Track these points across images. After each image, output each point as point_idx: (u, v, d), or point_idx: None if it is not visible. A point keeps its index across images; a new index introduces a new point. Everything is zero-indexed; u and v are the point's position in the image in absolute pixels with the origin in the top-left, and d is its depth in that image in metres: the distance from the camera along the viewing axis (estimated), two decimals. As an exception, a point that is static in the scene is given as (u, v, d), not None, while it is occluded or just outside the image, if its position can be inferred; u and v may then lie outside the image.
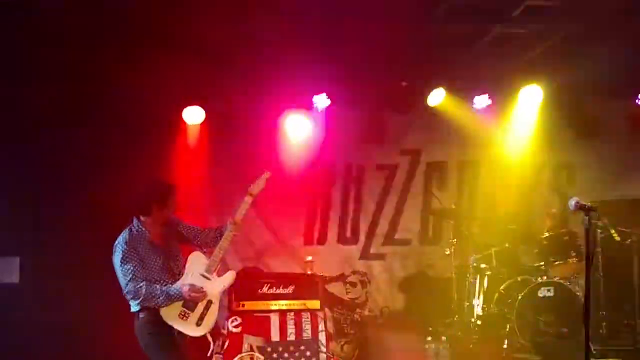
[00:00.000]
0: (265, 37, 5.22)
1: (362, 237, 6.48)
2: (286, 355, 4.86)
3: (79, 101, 5.54)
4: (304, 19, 5.01)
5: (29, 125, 5.54)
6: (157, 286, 3.51)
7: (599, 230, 5.56)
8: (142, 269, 3.50)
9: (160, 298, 3.48)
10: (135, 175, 5.68)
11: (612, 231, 5.30)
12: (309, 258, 5.20)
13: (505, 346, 5.10)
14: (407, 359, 5.10)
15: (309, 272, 5.09)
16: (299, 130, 6.04)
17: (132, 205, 3.65)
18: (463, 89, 6.18)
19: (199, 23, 4.85)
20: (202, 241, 3.81)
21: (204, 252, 3.76)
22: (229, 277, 3.77)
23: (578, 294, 5.10)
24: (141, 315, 3.55)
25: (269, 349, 4.86)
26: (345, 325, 6.20)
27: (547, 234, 5.44)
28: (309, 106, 6.04)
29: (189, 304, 3.55)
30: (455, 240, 5.79)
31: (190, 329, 3.56)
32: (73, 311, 5.26)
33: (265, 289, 4.85)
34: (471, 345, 5.26)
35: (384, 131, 6.48)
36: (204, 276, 3.63)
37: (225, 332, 4.93)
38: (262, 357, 4.85)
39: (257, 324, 4.84)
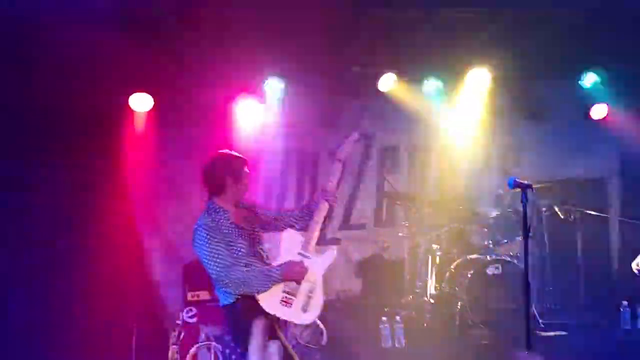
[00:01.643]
0: (215, 22, 5.14)
1: (318, 223, 6.50)
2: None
3: (19, 91, 5.30)
4: (255, 4, 4.95)
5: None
6: (255, 267, 3.13)
7: (544, 209, 5.79)
8: (230, 253, 3.11)
9: (260, 281, 3.06)
10: (80, 165, 5.62)
11: (557, 209, 5.52)
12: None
13: (457, 323, 5.25)
14: (363, 341, 5.19)
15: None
16: (251, 117, 5.96)
17: (205, 185, 3.26)
18: (413, 74, 6.25)
19: (147, 7, 4.73)
20: (286, 223, 3.43)
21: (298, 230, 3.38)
22: (330, 255, 3.31)
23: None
24: (238, 304, 3.12)
25: (227, 338, 4.84)
26: (303, 310, 6.24)
27: (494, 214, 5.61)
28: (260, 92, 5.98)
29: (292, 288, 3.13)
30: (407, 222, 5.89)
31: (296, 316, 3.14)
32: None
33: (220, 278, 4.81)
34: (425, 324, 5.40)
35: (338, 116, 6.48)
36: (302, 255, 3.21)
37: (180, 322, 4.90)
38: (219, 347, 4.84)
39: (213, 313, 4.81)
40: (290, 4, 4.97)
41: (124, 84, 5.66)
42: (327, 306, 6.09)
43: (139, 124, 5.85)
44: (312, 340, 3.31)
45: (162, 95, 5.84)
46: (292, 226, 3.42)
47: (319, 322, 3.24)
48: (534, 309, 5.27)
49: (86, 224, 5.58)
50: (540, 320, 5.30)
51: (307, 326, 3.24)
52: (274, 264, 3.20)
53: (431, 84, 6.27)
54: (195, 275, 4.92)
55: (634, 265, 4.34)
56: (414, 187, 6.64)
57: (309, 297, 3.15)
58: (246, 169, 3.31)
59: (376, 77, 6.17)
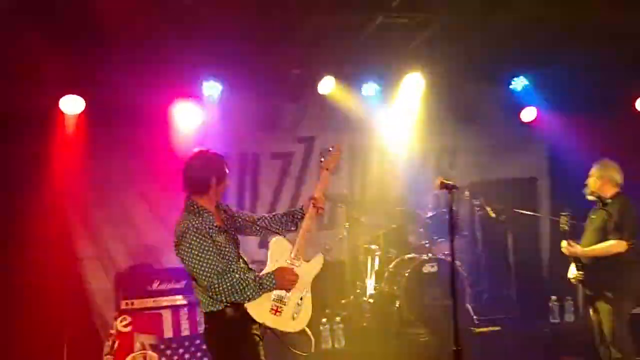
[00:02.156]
0: (151, 22, 5.02)
1: (260, 227, 6.46)
2: (181, 351, 4.79)
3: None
4: (193, 4, 4.87)
5: None
6: (248, 275, 2.99)
7: (477, 209, 5.98)
8: (221, 259, 2.97)
9: (252, 289, 2.94)
10: (9, 171, 5.36)
11: (488, 209, 5.72)
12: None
13: (395, 321, 5.34)
14: (303, 342, 5.19)
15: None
16: (189, 119, 5.86)
17: (187, 184, 3.14)
18: (352, 77, 6.33)
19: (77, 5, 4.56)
20: (265, 227, 3.31)
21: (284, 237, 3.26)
22: (318, 261, 3.23)
23: (460, 268, 5.45)
24: (227, 312, 2.98)
25: (162, 346, 4.76)
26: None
27: (431, 214, 5.75)
28: (199, 94, 5.89)
29: (281, 296, 3.04)
30: (347, 224, 5.95)
31: (285, 325, 3.06)
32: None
33: (155, 285, 4.73)
34: (365, 324, 5.46)
35: (278, 119, 6.49)
36: (291, 263, 3.13)
37: (114, 332, 4.76)
38: (155, 355, 4.74)
39: (148, 321, 4.72)
40: (229, 5, 4.94)
41: (54, 86, 5.45)
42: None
43: (70, 127, 5.64)
44: (300, 348, 3.26)
45: (95, 97, 5.66)
46: (269, 229, 3.33)
47: (307, 329, 3.15)
48: (468, 306, 5.43)
49: (17, 232, 5.34)
50: (475, 317, 5.47)
51: (295, 333, 3.14)
52: (264, 271, 3.11)
53: (369, 88, 6.37)
54: (129, 283, 4.80)
55: (570, 275, 4.48)
56: (354, 189, 6.72)
57: (299, 305, 3.10)
58: (226, 169, 3.22)
59: (315, 80, 6.20)
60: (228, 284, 2.93)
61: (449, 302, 5.24)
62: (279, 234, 3.28)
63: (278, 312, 3.03)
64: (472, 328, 5.27)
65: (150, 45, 5.21)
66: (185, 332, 4.73)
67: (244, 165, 6.44)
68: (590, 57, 5.79)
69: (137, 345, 4.68)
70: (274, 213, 3.43)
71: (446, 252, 5.64)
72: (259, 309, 2.99)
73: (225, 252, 3.03)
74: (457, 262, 5.55)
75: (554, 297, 5.59)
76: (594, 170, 4.34)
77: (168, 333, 4.72)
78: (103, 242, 5.82)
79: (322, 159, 3.44)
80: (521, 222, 5.90)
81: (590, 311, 4.37)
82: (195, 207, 3.09)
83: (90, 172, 5.73)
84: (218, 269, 2.94)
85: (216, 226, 3.07)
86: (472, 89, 6.58)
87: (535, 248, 6.69)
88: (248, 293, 2.95)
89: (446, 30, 5.59)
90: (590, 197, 4.35)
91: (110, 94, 5.67)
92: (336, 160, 3.45)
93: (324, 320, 5.16)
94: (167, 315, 4.74)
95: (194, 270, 2.96)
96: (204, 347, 4.71)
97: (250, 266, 3.18)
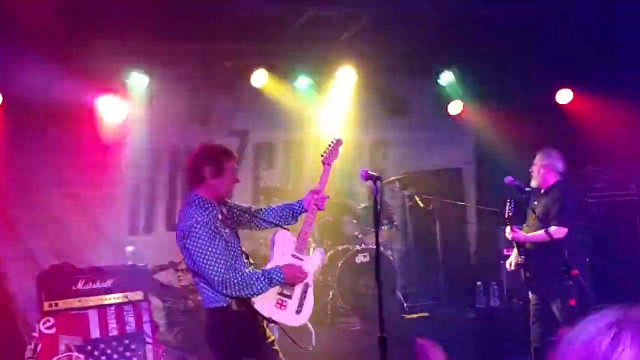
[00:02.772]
0: (70, 14, 4.82)
1: (193, 222, 6.35)
2: (109, 351, 4.64)
3: None
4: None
5: None
6: (258, 270, 2.98)
7: (407, 199, 6.15)
8: (228, 253, 2.93)
9: (261, 284, 2.92)
10: None
11: (417, 199, 5.89)
12: (130, 248, 4.98)
13: (329, 312, 5.41)
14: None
15: (130, 263, 4.87)
16: (114, 114, 5.66)
17: (185, 175, 3.21)
18: (285, 70, 6.32)
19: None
20: (264, 221, 3.30)
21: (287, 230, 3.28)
22: (319, 256, 3.31)
23: (391, 257, 5.59)
24: (233, 307, 2.95)
25: (89, 347, 4.59)
26: (178, 313, 6.09)
27: (363, 205, 5.86)
28: (124, 88, 5.71)
29: (286, 290, 3.07)
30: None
31: (290, 319, 3.10)
32: None
33: (80, 285, 4.55)
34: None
35: (210, 112, 6.39)
36: (295, 257, 3.16)
37: (36, 334, 4.55)
38: (82, 357, 4.57)
39: (73, 322, 4.53)
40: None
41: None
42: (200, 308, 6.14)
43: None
44: (302, 342, 3.27)
45: (14, 93, 5.36)
46: (270, 222, 3.32)
47: (309, 323, 3.20)
48: (398, 293, 5.58)
49: None
50: (405, 304, 5.63)
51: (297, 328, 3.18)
52: (268, 265, 3.09)
53: (302, 81, 6.38)
54: (52, 283, 4.60)
55: (507, 265, 4.70)
56: (289, 182, 6.73)
57: (302, 299, 3.13)
58: (231, 165, 3.15)
59: (248, 72, 6.16)
60: (239, 279, 2.91)
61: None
62: (280, 227, 3.28)
63: (283, 307, 3.05)
64: (402, 315, 5.42)
65: (71, 38, 5.01)
66: (114, 331, 4.58)
67: (176, 159, 6.30)
68: (513, 51, 6.06)
69: (62, 347, 4.48)
70: (272, 206, 3.46)
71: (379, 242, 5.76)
72: (265, 304, 3.00)
73: (231, 247, 3.01)
74: (388, 252, 5.71)
75: (479, 283, 5.83)
76: (537, 159, 4.54)
77: (95, 333, 4.55)
78: (25, 242, 5.55)
79: (323, 154, 3.45)
80: (449, 211, 6.11)
81: (529, 293, 4.61)
82: (199, 200, 3.04)
83: (9, 170, 5.44)
84: (228, 263, 2.91)
85: (221, 220, 3.05)
86: (402, 82, 6.74)
87: (462, 236, 6.96)
88: (257, 287, 2.94)
89: (375, 24, 5.70)
90: (534, 185, 4.54)
91: (30, 90, 5.40)
92: (336, 153, 3.47)
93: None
94: (93, 316, 4.57)
95: (203, 265, 2.90)
96: (133, 346, 4.67)
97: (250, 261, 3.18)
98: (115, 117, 5.64)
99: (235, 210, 3.26)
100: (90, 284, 4.54)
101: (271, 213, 3.36)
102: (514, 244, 4.54)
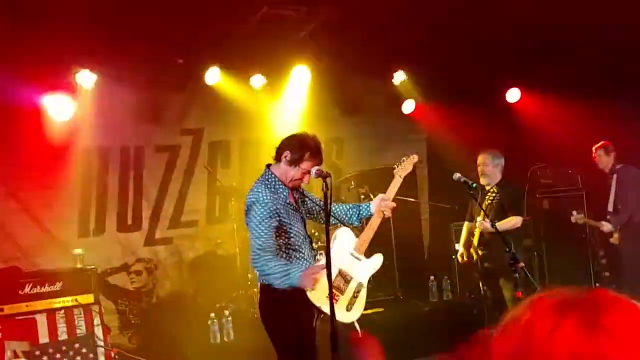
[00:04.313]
0: (20, 8, 4.65)
1: (145, 223, 6.23)
2: (58, 356, 4.53)
3: None
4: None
5: None
6: (286, 265, 3.07)
7: (362, 196, 6.21)
8: (280, 234, 3.09)
9: (277, 277, 3.03)
10: None
11: (372, 196, 5.94)
12: (78, 251, 4.85)
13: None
14: (192, 339, 5.12)
15: (79, 266, 4.75)
16: (61, 112, 5.47)
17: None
18: (239, 68, 6.27)
19: None
20: (335, 217, 3.42)
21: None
22: (378, 260, 3.42)
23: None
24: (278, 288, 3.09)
25: (37, 352, 4.47)
26: (132, 316, 5.98)
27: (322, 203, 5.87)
28: (73, 85, 5.54)
29: (340, 285, 3.17)
30: (235, 217, 5.92)
31: (340, 314, 3.11)
32: None
33: (27, 289, 4.42)
34: (255, 315, 5.47)
35: (162, 110, 6.28)
36: (353, 256, 3.26)
37: (-20, 341, 4.39)
38: (29, 363, 4.44)
39: (20, 327, 4.41)
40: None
41: None
42: (157, 309, 6.03)
43: None
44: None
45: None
46: (336, 218, 3.43)
47: (356, 322, 3.25)
48: (354, 290, 5.63)
49: None
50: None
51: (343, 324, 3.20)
52: (322, 260, 3.14)
53: (257, 79, 6.35)
54: (-4, 288, 4.44)
55: (460, 258, 4.92)
56: (245, 182, 6.68)
57: (355, 297, 3.21)
58: (309, 163, 3.22)
59: (202, 70, 6.08)
60: (263, 262, 3.05)
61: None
62: (343, 224, 3.42)
63: (335, 300, 3.07)
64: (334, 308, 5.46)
65: (15, 34, 4.83)
66: (63, 335, 4.47)
67: (127, 159, 6.16)
68: (464, 51, 6.21)
69: (8, 353, 4.34)
70: (341, 203, 3.57)
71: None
72: (318, 293, 3.07)
73: (292, 231, 3.15)
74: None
75: (432, 277, 5.95)
76: (487, 159, 4.87)
77: (43, 338, 4.43)
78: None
79: (396, 165, 3.68)
80: (403, 208, 6.19)
81: (481, 285, 4.89)
82: (271, 177, 3.25)
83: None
84: (265, 245, 3.04)
85: (288, 203, 3.20)
86: (356, 81, 6.80)
87: (416, 232, 7.09)
88: (273, 278, 3.05)
89: (329, 24, 5.74)
90: (484, 182, 4.86)
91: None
92: (409, 168, 3.67)
93: (212, 315, 5.11)
94: (42, 320, 4.45)
95: (251, 238, 3.10)
96: (84, 350, 4.56)
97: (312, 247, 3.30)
98: (62, 116, 5.45)
99: (308, 198, 3.43)
100: (39, 287, 4.42)
101: (339, 210, 3.51)
102: (471, 237, 4.73)
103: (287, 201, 3.21)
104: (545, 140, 6.73)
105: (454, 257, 6.08)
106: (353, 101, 6.88)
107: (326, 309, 3.07)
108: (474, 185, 4.14)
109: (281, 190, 3.22)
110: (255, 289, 5.70)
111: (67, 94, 5.45)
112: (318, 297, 3.10)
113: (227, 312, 5.11)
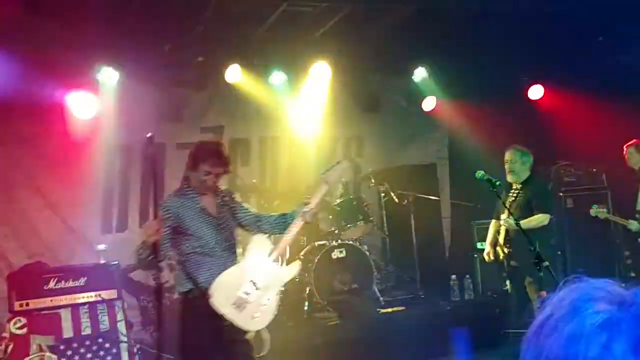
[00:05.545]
0: (44, 6, 4.71)
1: (166, 220, 6.27)
2: (82, 350, 4.57)
3: None
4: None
5: None
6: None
7: (382, 194, 6.18)
8: (183, 238, 3.13)
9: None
10: None
11: (392, 194, 5.92)
12: (102, 247, 4.90)
13: (305, 308, 5.41)
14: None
15: (102, 262, 4.79)
16: (85, 110, 5.54)
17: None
18: (259, 66, 6.27)
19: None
20: (259, 228, 3.40)
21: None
22: (294, 268, 3.38)
23: (367, 252, 5.62)
24: (194, 294, 3.11)
25: (62, 347, 4.52)
26: (153, 312, 6.01)
27: (338, 201, 5.87)
28: (96, 83, 5.60)
29: (248, 292, 3.09)
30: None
31: (245, 322, 3.06)
32: None
33: (52, 284, 4.46)
34: (275, 312, 5.47)
35: (183, 108, 6.32)
36: (266, 263, 3.21)
37: (7, 335, 4.45)
38: (54, 357, 4.50)
39: (45, 322, 4.45)
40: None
41: None
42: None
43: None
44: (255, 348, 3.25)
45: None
46: (265, 231, 3.41)
47: (264, 330, 3.22)
48: (375, 288, 5.61)
49: None
50: (381, 298, 5.67)
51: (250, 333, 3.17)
52: (238, 265, 3.19)
53: (277, 76, 6.35)
54: (23, 283, 4.50)
55: (486, 257, 4.85)
56: (265, 179, 6.71)
57: (264, 305, 3.12)
58: (206, 165, 3.23)
59: (222, 68, 6.09)
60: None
61: (355, 285, 5.50)
62: (265, 233, 3.40)
63: (241, 307, 3.04)
64: (378, 309, 5.45)
65: (40, 32, 4.90)
66: (87, 330, 4.50)
67: (147, 157, 6.19)
68: (486, 48, 6.14)
69: (34, 347, 4.40)
70: (270, 215, 3.51)
71: (354, 238, 5.78)
72: (223, 298, 3.02)
73: (197, 235, 3.14)
74: (364, 247, 5.73)
75: (454, 276, 5.89)
76: (516, 156, 4.74)
77: (68, 333, 4.47)
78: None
79: (324, 171, 3.49)
80: (424, 206, 6.16)
81: (508, 283, 4.90)
82: (184, 185, 3.31)
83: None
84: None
85: (201, 208, 3.20)
86: (376, 78, 6.76)
87: (437, 230, 7.03)
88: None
89: (350, 20, 5.71)
90: (511, 179, 4.75)
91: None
92: (339, 175, 3.51)
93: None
94: (66, 315, 4.49)
95: None
96: (107, 345, 4.60)
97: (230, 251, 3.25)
98: (86, 113, 5.52)
99: (239, 210, 3.40)
100: (63, 282, 4.46)
101: (267, 220, 3.45)
102: (497, 235, 4.68)
103: (199, 206, 3.22)
104: (568, 137, 6.61)
105: (475, 255, 6.01)
106: (373, 98, 6.83)
107: (230, 316, 3.04)
108: (498, 182, 4.08)
109: (191, 195, 3.25)
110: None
111: (90, 91, 5.51)
112: (221, 303, 3.05)
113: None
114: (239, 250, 3.36)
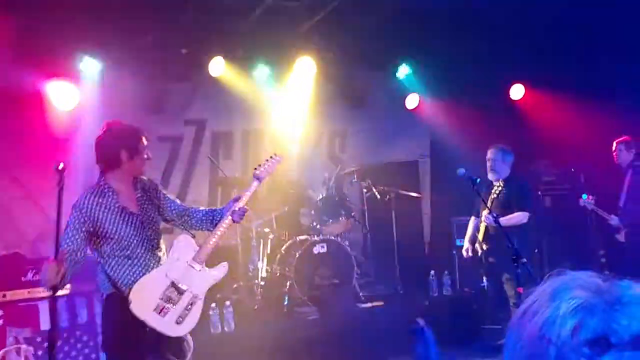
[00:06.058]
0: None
1: (147, 212, 6.22)
2: (59, 342, 4.53)
3: None
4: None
5: None
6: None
7: (364, 190, 6.22)
8: (102, 240, 2.92)
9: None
10: None
11: (374, 190, 5.96)
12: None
13: (285, 302, 5.43)
14: (193, 329, 5.11)
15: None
16: (65, 100, 5.46)
17: (97, 159, 3.05)
18: (243, 59, 6.26)
19: None
20: (185, 222, 3.22)
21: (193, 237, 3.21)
22: (221, 270, 3.18)
23: (348, 248, 5.65)
24: (110, 297, 2.97)
25: (39, 339, 4.48)
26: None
27: (321, 196, 5.89)
28: (76, 73, 5.52)
29: (171, 297, 2.92)
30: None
31: (167, 327, 2.91)
32: None
33: (30, 276, 4.41)
34: (256, 307, 5.50)
35: (165, 101, 6.27)
36: (191, 265, 3.03)
37: (-18, 327, 4.40)
38: (31, 349, 4.45)
39: (22, 314, 4.41)
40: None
41: None
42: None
43: None
44: (176, 353, 3.10)
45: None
46: (191, 227, 3.26)
47: (188, 336, 3.05)
48: (355, 283, 5.65)
49: None
50: (361, 293, 5.71)
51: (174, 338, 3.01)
52: (162, 267, 3.03)
53: (261, 70, 6.34)
54: (-1, 274, 4.45)
55: (464, 253, 4.92)
56: (247, 173, 6.68)
57: (187, 310, 2.98)
58: (144, 141, 3.09)
59: (205, 61, 6.05)
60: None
61: (336, 280, 5.53)
62: (194, 230, 3.26)
63: (163, 312, 2.92)
64: (358, 304, 5.50)
65: (19, 21, 4.81)
66: (64, 323, 4.48)
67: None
68: (468, 47, 6.19)
69: (10, 339, 4.36)
70: (197, 209, 3.31)
71: (336, 234, 5.81)
72: (143, 304, 2.88)
73: (117, 236, 2.93)
74: (346, 242, 5.77)
75: (432, 272, 5.96)
76: (498, 155, 4.83)
77: (45, 325, 4.44)
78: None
79: (257, 167, 3.37)
80: (405, 202, 6.21)
81: (484, 279, 4.97)
82: (102, 186, 3.03)
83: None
84: (66, 247, 2.87)
85: (120, 207, 2.98)
86: (360, 74, 6.78)
87: (417, 227, 7.09)
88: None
89: (335, 16, 5.72)
90: (492, 177, 4.84)
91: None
92: (271, 171, 3.38)
93: (213, 305, 5.11)
94: (44, 307, 4.45)
95: None
96: (85, 338, 4.57)
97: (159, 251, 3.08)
98: (66, 103, 5.44)
99: (164, 203, 3.18)
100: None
101: (195, 215, 3.26)
102: (476, 232, 4.75)
103: (118, 205, 2.98)
104: (547, 137, 6.72)
105: (454, 252, 6.09)
106: (357, 94, 6.86)
107: (152, 322, 2.90)
108: (478, 180, 4.14)
109: (110, 194, 2.99)
110: (256, 280, 5.73)
111: (71, 81, 5.43)
112: (142, 308, 2.89)
113: (228, 303, 5.11)
114: (162, 250, 3.15)
